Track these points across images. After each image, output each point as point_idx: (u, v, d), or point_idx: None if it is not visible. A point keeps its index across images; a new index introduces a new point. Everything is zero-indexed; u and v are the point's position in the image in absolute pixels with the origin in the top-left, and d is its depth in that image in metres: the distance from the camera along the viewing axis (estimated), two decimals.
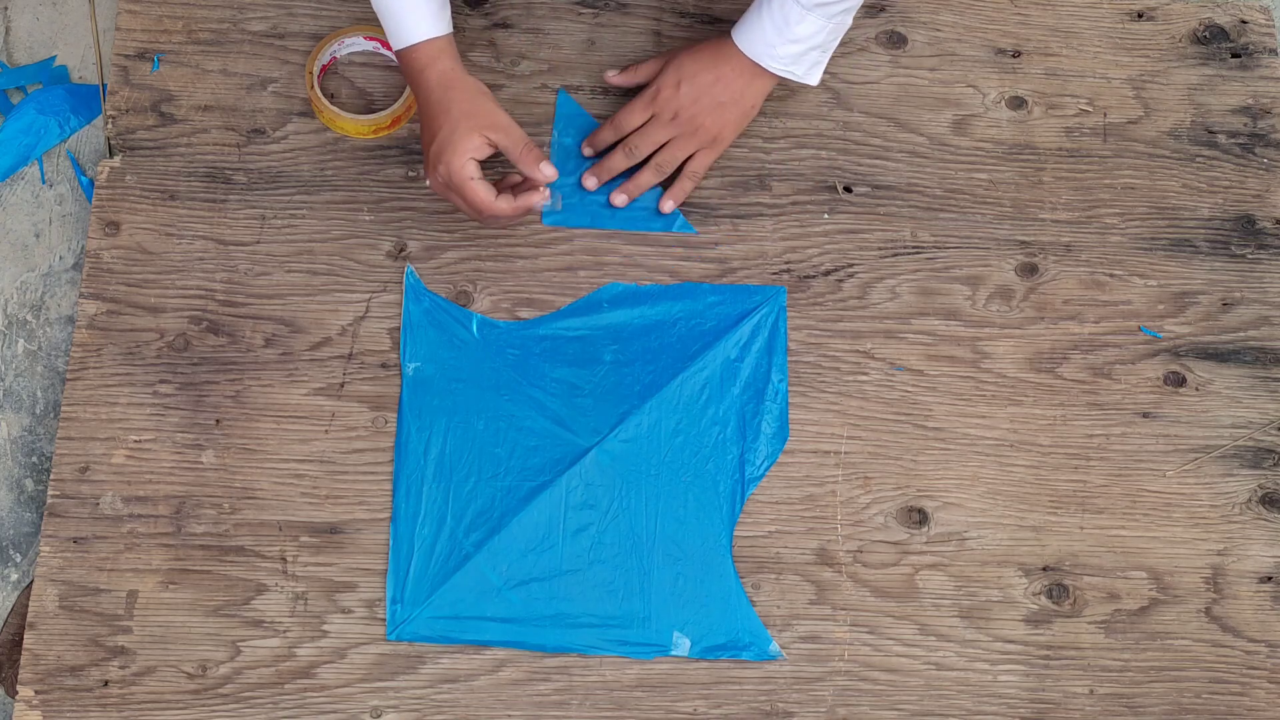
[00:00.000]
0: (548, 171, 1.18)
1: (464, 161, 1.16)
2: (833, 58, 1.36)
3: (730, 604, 1.19)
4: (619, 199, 1.28)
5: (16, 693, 1.14)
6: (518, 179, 1.22)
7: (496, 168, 1.27)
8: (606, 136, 1.28)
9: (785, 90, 1.35)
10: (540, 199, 1.19)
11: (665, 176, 1.28)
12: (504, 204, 1.17)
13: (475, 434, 1.21)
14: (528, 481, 1.20)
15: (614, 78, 1.30)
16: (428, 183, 1.23)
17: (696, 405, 1.24)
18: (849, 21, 1.21)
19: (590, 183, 1.29)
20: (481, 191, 1.16)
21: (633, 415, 1.22)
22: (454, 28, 1.35)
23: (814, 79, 1.24)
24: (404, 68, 1.21)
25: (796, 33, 1.20)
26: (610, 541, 1.20)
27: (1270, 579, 1.23)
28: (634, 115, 1.26)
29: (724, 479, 1.22)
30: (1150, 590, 1.22)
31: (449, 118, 1.17)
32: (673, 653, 1.17)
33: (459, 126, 1.17)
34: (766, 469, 1.23)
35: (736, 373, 1.25)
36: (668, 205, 1.28)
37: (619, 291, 1.27)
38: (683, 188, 1.28)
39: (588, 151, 1.30)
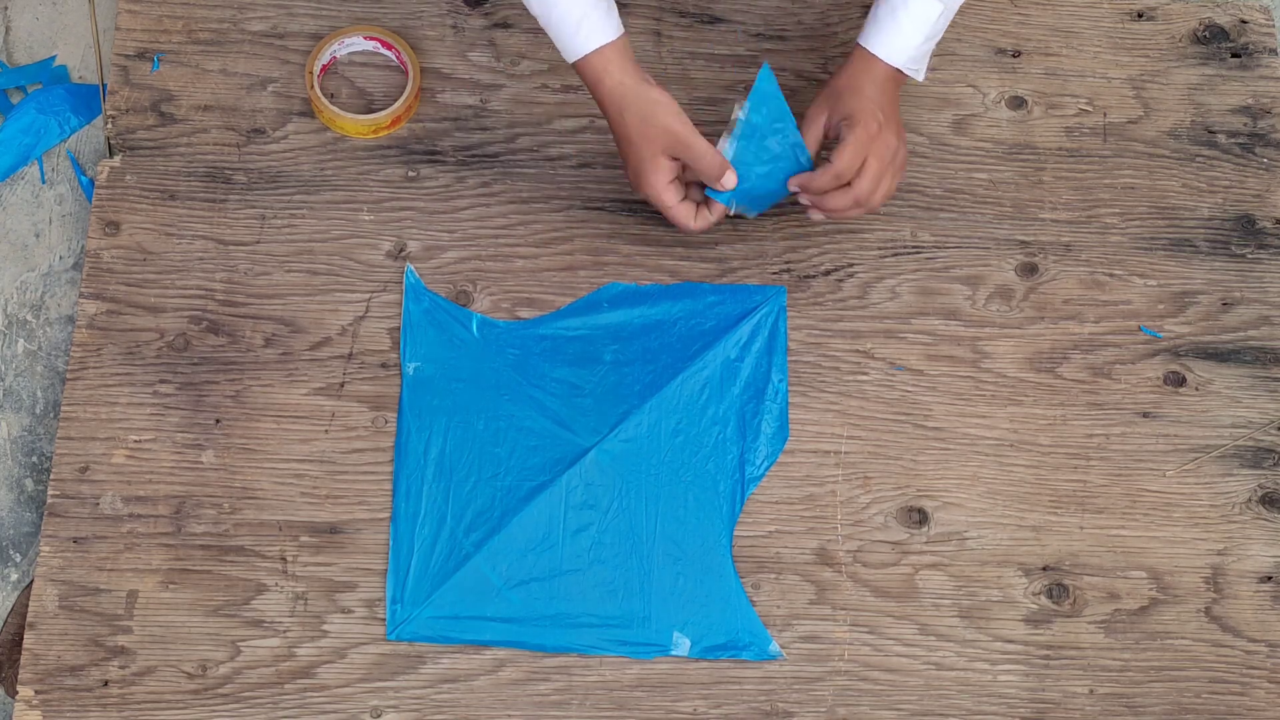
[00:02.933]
0: (729, 181, 1.19)
1: (662, 189, 1.18)
2: (832, 57, 1.37)
3: (730, 604, 1.19)
4: (817, 215, 1.22)
5: (16, 693, 1.14)
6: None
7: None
8: (826, 184, 1.18)
9: (785, 90, 1.34)
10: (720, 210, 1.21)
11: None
12: (700, 223, 1.21)
13: (475, 434, 1.21)
14: (528, 481, 1.20)
15: (809, 184, 1.19)
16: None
17: (696, 405, 1.23)
18: (952, 16, 1.18)
19: (816, 216, 1.22)
20: (683, 215, 1.20)
21: (633, 415, 1.22)
22: (454, 28, 1.35)
23: (923, 75, 1.20)
24: (583, 79, 1.18)
25: (936, 28, 1.16)
26: (610, 541, 1.20)
27: (1270, 579, 1.23)
28: (855, 160, 1.16)
29: (724, 479, 1.22)
30: (1150, 590, 1.22)
31: (632, 146, 1.17)
32: (673, 653, 1.17)
33: (644, 155, 1.17)
34: (766, 469, 1.23)
35: (736, 372, 1.25)
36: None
37: (619, 291, 1.27)
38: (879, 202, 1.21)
39: (793, 186, 1.20)
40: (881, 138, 1.17)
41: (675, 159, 1.18)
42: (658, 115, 1.16)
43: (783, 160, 1.19)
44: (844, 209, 1.19)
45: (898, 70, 1.18)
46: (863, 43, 1.18)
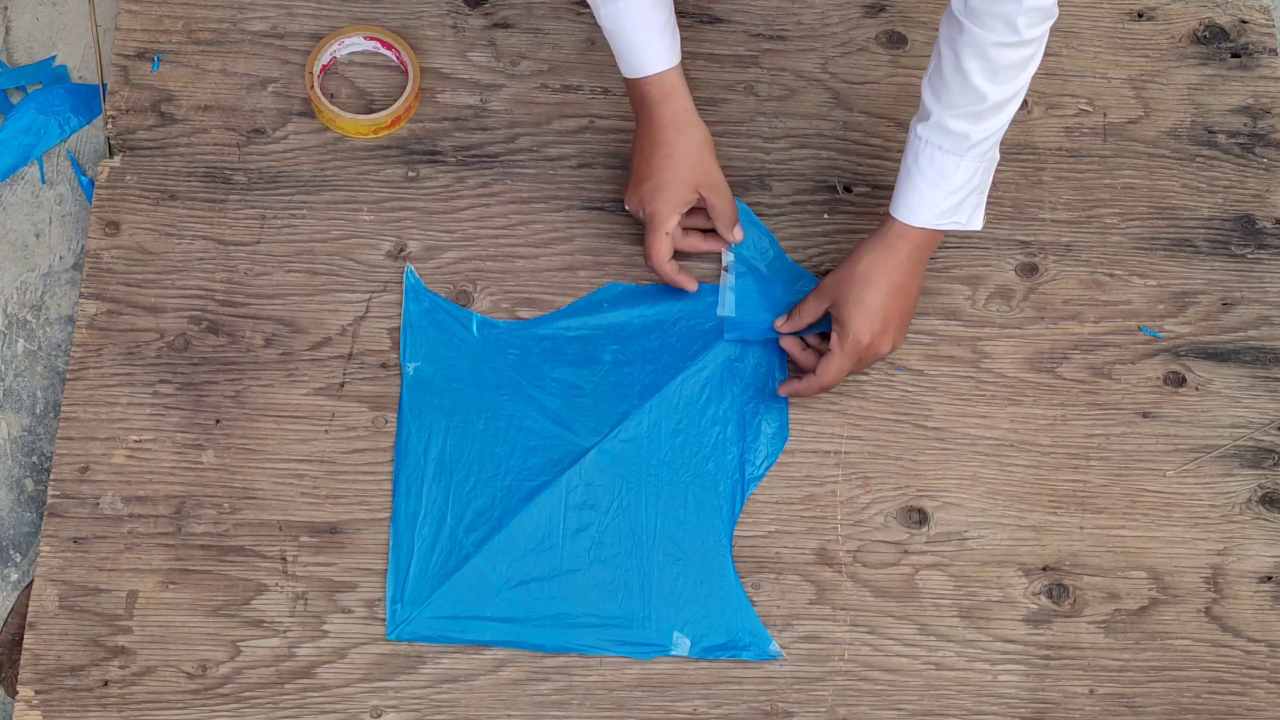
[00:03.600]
0: (738, 234, 1.25)
1: (669, 213, 1.21)
2: (832, 57, 1.36)
3: (730, 604, 1.19)
4: (784, 390, 1.23)
5: (16, 693, 1.14)
6: (698, 223, 1.25)
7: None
8: (809, 392, 1.22)
9: (785, 90, 1.35)
10: (691, 283, 1.25)
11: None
12: (670, 269, 1.23)
13: (475, 434, 1.21)
14: (528, 481, 1.20)
15: (783, 325, 1.24)
16: (625, 207, 1.25)
17: (696, 405, 1.23)
18: (998, 155, 1.16)
19: (783, 392, 1.23)
20: (664, 247, 1.22)
21: (633, 415, 1.22)
22: (454, 28, 1.35)
23: (977, 223, 1.18)
24: (633, 96, 1.21)
25: (954, 182, 1.14)
26: (610, 541, 1.19)
27: (1270, 579, 1.23)
28: (842, 374, 1.20)
29: (724, 479, 1.22)
30: (1150, 590, 1.22)
31: (672, 164, 1.19)
32: (673, 653, 1.17)
33: (680, 177, 1.20)
34: (766, 469, 1.22)
35: (736, 372, 1.25)
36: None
37: (619, 291, 1.27)
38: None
39: (783, 392, 1.23)
40: (871, 348, 1.19)
41: (700, 198, 1.22)
42: (707, 152, 1.21)
43: (777, 277, 1.27)
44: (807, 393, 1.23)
45: (925, 230, 1.16)
46: (890, 208, 1.18)
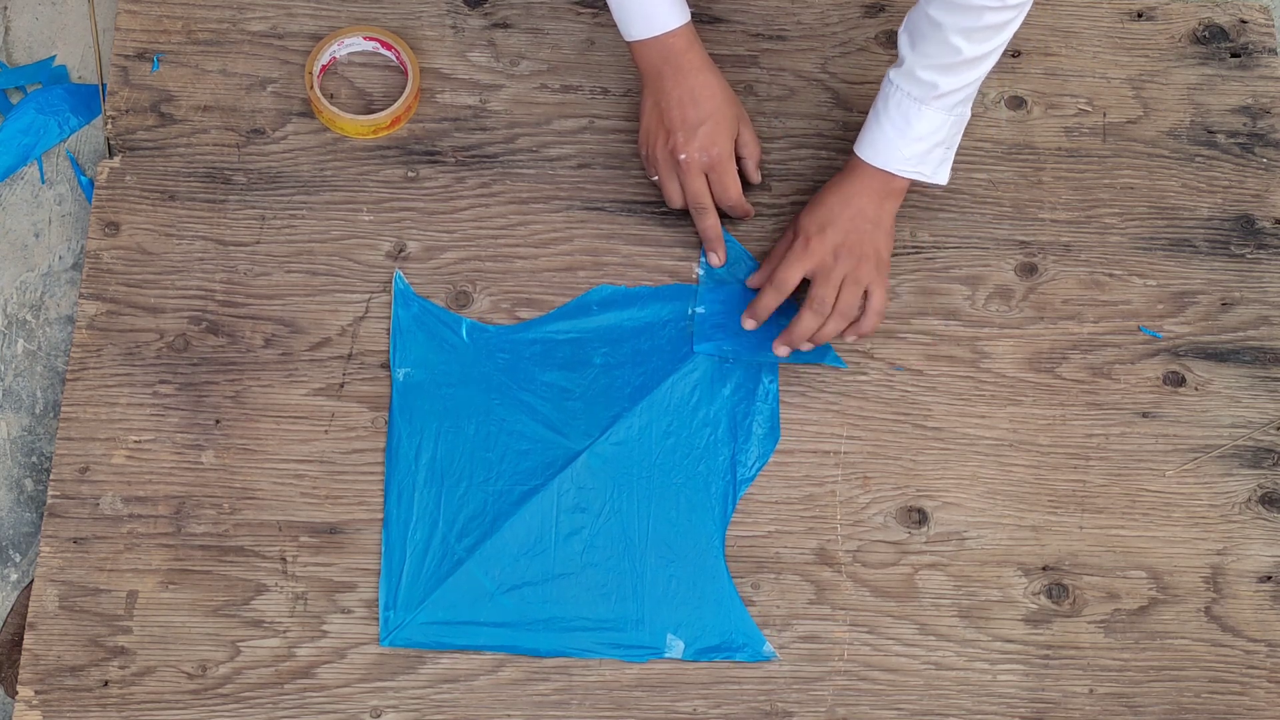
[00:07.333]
0: (758, 177, 1.29)
1: (731, 148, 1.24)
2: (832, 57, 1.36)
3: (723, 605, 1.19)
4: (781, 350, 1.22)
5: (16, 693, 1.15)
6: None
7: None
8: (770, 301, 1.22)
9: (785, 90, 1.35)
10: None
11: (836, 322, 1.21)
12: (743, 199, 1.26)
13: (466, 439, 1.21)
14: (519, 485, 1.20)
15: (754, 280, 1.25)
16: (652, 152, 1.25)
17: (687, 407, 1.23)
18: (968, 113, 1.19)
19: (749, 324, 1.23)
20: (736, 177, 1.25)
21: (624, 418, 1.22)
22: (454, 28, 1.36)
23: (942, 177, 1.20)
24: (650, 55, 1.22)
25: (919, 130, 1.16)
26: (602, 544, 1.19)
27: (1270, 578, 1.23)
28: (791, 271, 1.20)
29: (715, 480, 1.22)
30: (1150, 590, 1.22)
31: (719, 101, 1.23)
32: (666, 655, 1.17)
33: (730, 114, 1.23)
34: (758, 470, 1.22)
35: (727, 374, 1.24)
36: (854, 338, 1.23)
37: (608, 294, 1.27)
38: (870, 324, 1.21)
39: (749, 324, 1.23)
40: (823, 240, 1.20)
41: (739, 134, 1.26)
42: (731, 89, 1.26)
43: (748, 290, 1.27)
44: (810, 330, 1.21)
45: (886, 174, 1.19)
46: (854, 146, 1.21)
